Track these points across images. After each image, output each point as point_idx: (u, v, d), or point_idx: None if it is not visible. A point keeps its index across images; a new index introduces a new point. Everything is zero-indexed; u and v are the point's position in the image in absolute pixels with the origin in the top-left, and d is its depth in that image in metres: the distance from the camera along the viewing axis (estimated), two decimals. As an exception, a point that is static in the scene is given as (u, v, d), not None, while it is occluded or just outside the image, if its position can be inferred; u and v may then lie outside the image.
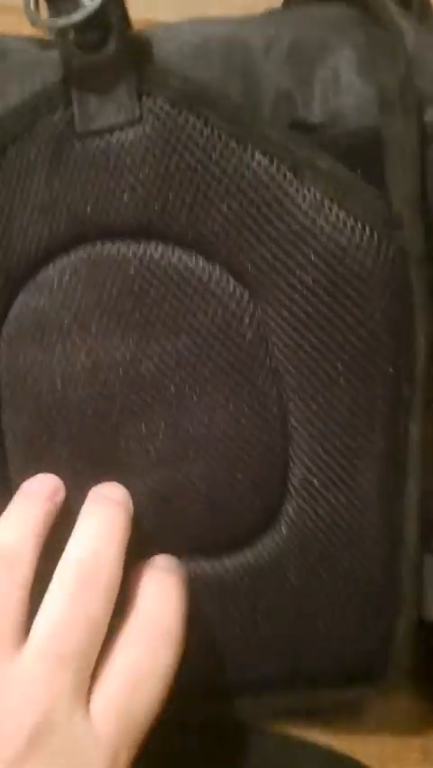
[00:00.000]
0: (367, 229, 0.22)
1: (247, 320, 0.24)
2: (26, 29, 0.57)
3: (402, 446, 0.25)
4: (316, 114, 0.23)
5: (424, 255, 0.22)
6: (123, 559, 0.26)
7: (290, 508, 0.26)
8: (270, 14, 0.29)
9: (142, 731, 0.23)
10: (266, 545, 0.26)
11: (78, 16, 0.22)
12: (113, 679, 0.23)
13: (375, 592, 0.26)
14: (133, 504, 0.27)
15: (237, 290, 0.24)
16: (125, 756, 0.22)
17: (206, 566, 0.27)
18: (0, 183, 0.23)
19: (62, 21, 0.23)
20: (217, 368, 0.25)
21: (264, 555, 0.26)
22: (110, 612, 0.24)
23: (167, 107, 0.23)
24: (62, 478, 0.27)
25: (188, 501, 0.27)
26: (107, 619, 0.24)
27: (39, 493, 0.26)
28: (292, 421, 0.25)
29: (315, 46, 0.24)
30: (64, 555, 0.25)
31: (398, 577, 0.26)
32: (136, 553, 0.27)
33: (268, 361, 0.25)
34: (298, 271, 0.23)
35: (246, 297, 0.24)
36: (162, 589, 0.24)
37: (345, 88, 0.22)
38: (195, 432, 0.26)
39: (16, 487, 0.28)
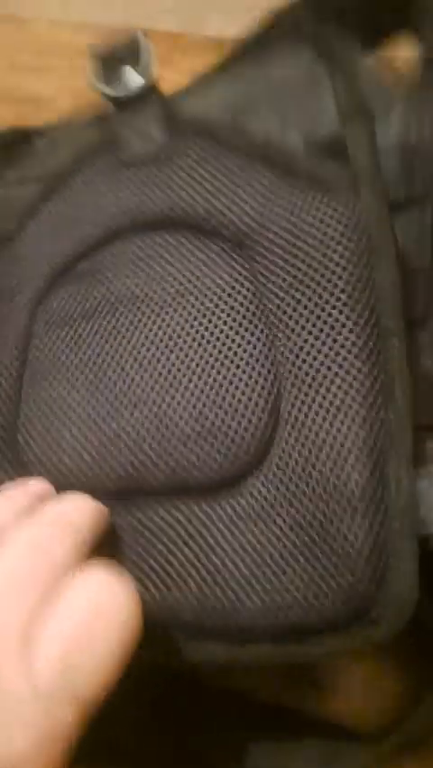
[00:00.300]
0: (340, 207, 0.27)
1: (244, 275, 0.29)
2: (24, 38, 0.58)
3: (386, 369, 0.26)
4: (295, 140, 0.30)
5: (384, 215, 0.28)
6: (96, 514, 0.25)
7: (280, 445, 0.26)
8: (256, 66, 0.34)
9: (86, 698, 0.21)
10: (257, 486, 0.26)
11: (127, 91, 0.31)
12: (60, 634, 0.21)
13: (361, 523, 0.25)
14: (124, 440, 0.28)
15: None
16: (63, 718, 0.20)
17: (195, 509, 0.27)
18: (68, 194, 0.32)
19: (116, 92, 0.31)
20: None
21: (256, 496, 0.26)
22: (73, 562, 0.23)
23: (187, 138, 0.31)
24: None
25: (177, 434, 0.27)
26: (68, 570, 0.23)
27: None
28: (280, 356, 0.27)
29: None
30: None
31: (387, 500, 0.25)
32: (123, 497, 0.27)
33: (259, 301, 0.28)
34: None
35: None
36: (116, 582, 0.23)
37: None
38: (183, 362, 0.28)
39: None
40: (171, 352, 0.28)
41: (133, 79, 0.31)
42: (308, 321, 0.26)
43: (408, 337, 0.26)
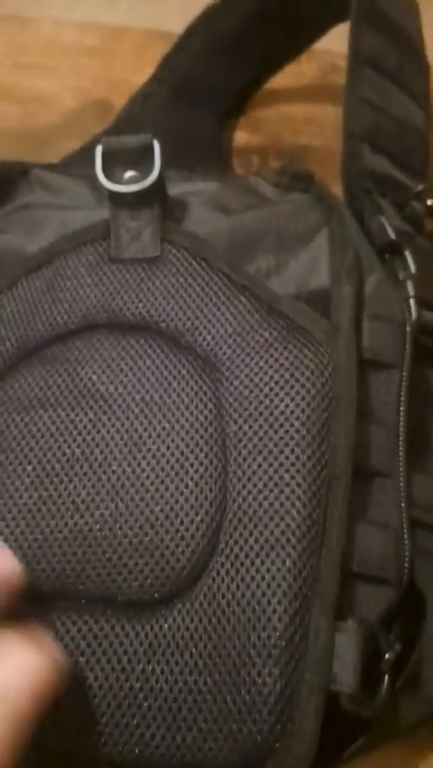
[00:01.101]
0: (311, 353, 0.28)
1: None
2: (28, 37, 0.57)
3: (327, 515, 0.26)
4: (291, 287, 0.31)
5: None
6: None
7: (211, 575, 0.26)
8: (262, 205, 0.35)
9: None
10: (181, 613, 0.25)
11: (133, 188, 0.31)
12: None
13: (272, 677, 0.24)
14: (60, 541, 0.26)
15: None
16: None
17: (116, 626, 0.26)
18: (51, 275, 0.32)
19: (120, 188, 0.31)
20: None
21: (179, 623, 0.25)
22: None
23: (178, 252, 0.31)
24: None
25: (114, 544, 0.26)
26: None
27: None
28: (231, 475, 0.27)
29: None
30: None
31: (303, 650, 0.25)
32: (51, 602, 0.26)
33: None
34: None
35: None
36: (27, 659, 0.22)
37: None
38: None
39: None
40: (124, 459, 0.27)
41: (138, 181, 0.30)
42: (260, 453, 0.26)
43: (366, 487, 0.27)
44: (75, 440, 0.28)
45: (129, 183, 0.30)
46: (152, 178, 0.30)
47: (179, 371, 0.29)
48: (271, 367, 0.28)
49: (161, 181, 0.31)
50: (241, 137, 0.49)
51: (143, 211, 0.31)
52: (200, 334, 0.29)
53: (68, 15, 0.53)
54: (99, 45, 0.52)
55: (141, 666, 0.25)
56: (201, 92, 0.45)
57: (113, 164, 0.31)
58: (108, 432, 0.28)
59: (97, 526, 0.26)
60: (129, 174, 0.31)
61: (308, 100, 0.51)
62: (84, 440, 0.28)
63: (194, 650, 0.25)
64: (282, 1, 0.44)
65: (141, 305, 0.30)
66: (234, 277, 0.30)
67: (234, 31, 0.44)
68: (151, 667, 0.25)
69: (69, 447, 0.28)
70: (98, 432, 0.28)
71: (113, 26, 0.53)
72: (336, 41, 0.48)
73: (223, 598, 0.25)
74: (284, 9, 0.44)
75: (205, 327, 0.29)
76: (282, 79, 0.49)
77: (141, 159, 0.31)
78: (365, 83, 0.36)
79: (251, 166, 0.48)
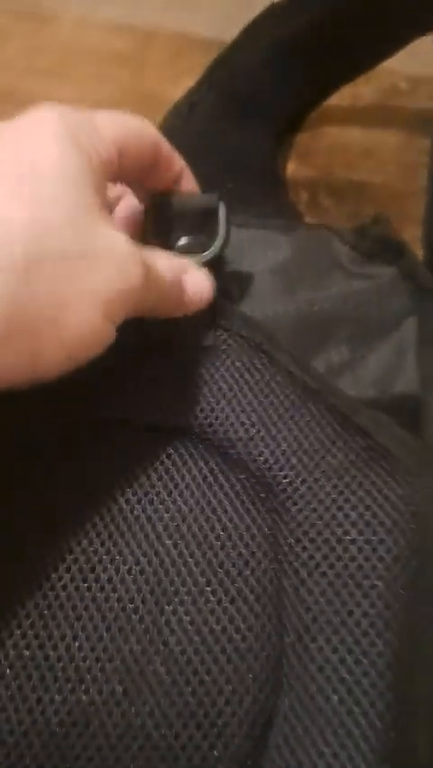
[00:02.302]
0: (396, 484, 0.23)
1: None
2: (45, 39, 0.50)
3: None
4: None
5: None
6: None
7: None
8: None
9: None
10: None
11: (206, 256, 0.25)
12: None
13: None
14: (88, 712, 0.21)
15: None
16: None
17: None
18: None
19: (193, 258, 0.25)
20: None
21: None
22: None
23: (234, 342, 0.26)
24: None
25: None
26: None
27: None
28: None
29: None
30: None
31: None
32: None
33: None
34: None
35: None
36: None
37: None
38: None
39: None
40: (148, 612, 0.22)
41: (194, 250, 0.25)
42: (329, 625, 0.21)
43: None
44: (80, 572, 0.22)
45: (183, 251, 0.25)
46: (213, 250, 0.25)
47: (226, 493, 0.23)
48: (346, 501, 0.22)
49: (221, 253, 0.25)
50: (288, 167, 0.42)
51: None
52: (255, 447, 0.23)
53: (92, 14, 0.46)
54: (128, 50, 0.46)
55: None
56: (256, 104, 0.39)
57: (163, 226, 0.26)
58: (126, 565, 0.22)
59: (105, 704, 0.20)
60: (183, 241, 0.25)
61: (364, 127, 0.44)
62: (94, 577, 0.22)
63: None
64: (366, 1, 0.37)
65: (183, 402, 0.25)
66: (302, 377, 0.24)
67: (301, 35, 0.38)
68: None
69: (69, 583, 0.22)
70: (113, 564, 0.22)
71: (144, 28, 0.47)
72: (397, 60, 0.42)
73: None
74: (367, 11, 0.37)
75: (262, 440, 0.23)
76: (335, 101, 0.42)
77: (201, 222, 0.26)
78: None
79: (298, 202, 0.41)
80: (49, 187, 0.19)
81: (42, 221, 0.18)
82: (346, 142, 0.44)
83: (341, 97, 0.43)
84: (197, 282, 0.24)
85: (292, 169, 0.43)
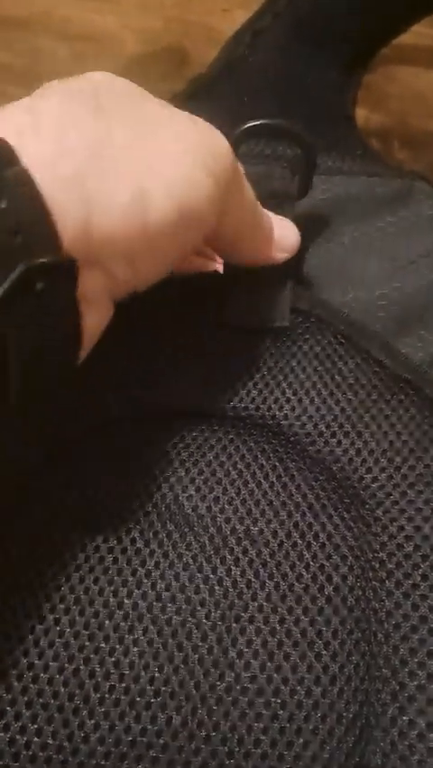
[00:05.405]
0: None
1: None
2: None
3: None
4: None
5: None
6: None
7: None
8: None
9: None
10: None
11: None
12: None
13: None
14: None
15: None
16: None
17: None
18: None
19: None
20: None
21: None
22: None
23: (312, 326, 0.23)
24: None
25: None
26: None
27: None
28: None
29: None
30: None
31: None
32: None
33: None
34: None
35: None
36: None
37: None
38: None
39: None
40: (213, 629, 0.19)
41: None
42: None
43: None
44: (130, 581, 0.19)
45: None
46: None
47: (304, 495, 0.20)
48: None
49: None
50: (357, 114, 0.37)
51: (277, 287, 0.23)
52: (339, 445, 0.20)
53: None
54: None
55: None
56: (327, 34, 0.34)
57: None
58: (186, 571, 0.19)
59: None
60: None
61: (445, 72, 0.39)
62: (151, 582, 0.19)
63: None
64: None
65: (254, 392, 0.22)
66: (391, 366, 0.21)
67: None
68: None
69: (118, 596, 0.19)
70: (172, 569, 0.19)
71: None
72: None
73: None
74: None
75: (346, 436, 0.21)
76: (412, 40, 0.37)
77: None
78: None
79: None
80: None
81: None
82: (423, 90, 0.39)
83: (418, 36, 0.38)
84: (285, 226, 0.22)
85: (363, 117, 0.38)
